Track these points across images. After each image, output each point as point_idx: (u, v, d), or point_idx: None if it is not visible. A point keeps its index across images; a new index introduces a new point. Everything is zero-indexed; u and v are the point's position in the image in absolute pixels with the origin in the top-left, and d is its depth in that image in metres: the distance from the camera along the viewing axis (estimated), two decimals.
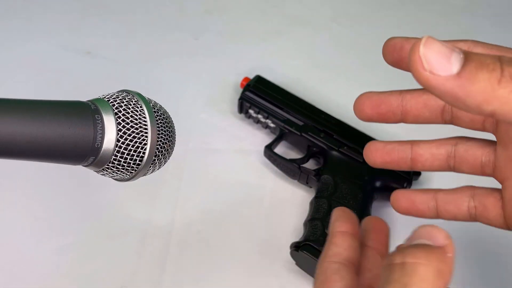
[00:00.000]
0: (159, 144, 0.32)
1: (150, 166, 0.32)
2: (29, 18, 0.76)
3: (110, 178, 0.33)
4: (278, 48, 0.73)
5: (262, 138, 0.61)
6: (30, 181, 0.56)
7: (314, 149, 0.57)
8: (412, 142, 0.34)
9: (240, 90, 0.61)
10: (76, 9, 0.78)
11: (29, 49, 0.72)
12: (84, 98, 0.66)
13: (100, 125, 0.29)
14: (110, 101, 0.31)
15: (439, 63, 0.22)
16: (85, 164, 0.30)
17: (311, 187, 0.56)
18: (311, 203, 0.52)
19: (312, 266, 0.47)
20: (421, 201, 0.34)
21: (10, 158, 0.27)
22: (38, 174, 0.56)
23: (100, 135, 0.29)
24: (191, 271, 0.50)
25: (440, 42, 0.23)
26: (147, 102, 0.32)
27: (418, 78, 0.22)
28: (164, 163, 0.33)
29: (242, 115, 0.62)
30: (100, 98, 0.31)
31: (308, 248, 0.47)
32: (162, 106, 0.34)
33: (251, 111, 0.60)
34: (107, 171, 0.31)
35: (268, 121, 0.59)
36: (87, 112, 0.29)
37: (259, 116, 0.59)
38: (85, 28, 0.75)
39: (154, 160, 0.32)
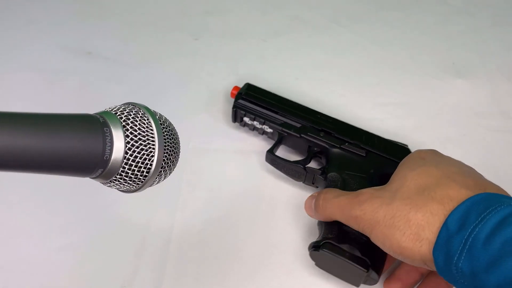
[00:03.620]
0: (166, 156, 0.32)
1: (156, 177, 0.33)
2: (29, 18, 0.76)
3: (116, 189, 0.33)
4: (278, 48, 0.73)
5: (262, 138, 0.61)
6: (30, 181, 0.56)
7: (315, 149, 0.56)
8: None
9: (231, 100, 0.60)
10: (77, 10, 0.78)
11: (29, 49, 0.72)
12: (84, 98, 0.67)
13: (109, 138, 0.30)
14: (117, 114, 0.31)
15: (307, 209, 0.49)
16: (93, 176, 0.31)
17: (317, 187, 0.56)
18: None
19: (334, 265, 0.46)
20: None
21: (24, 171, 0.28)
22: (39, 175, 0.56)
23: (109, 148, 0.30)
24: (191, 272, 0.50)
25: (307, 199, 0.49)
26: (153, 114, 0.32)
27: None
28: (170, 174, 0.34)
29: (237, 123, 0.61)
30: (107, 111, 0.32)
31: (329, 246, 0.45)
32: (167, 118, 0.35)
33: (246, 119, 0.59)
34: (114, 182, 0.32)
35: (265, 127, 0.58)
36: (96, 125, 0.30)
37: (255, 122, 0.59)
38: (86, 29, 0.75)
39: (160, 171, 0.32)
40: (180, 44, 0.73)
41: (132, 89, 0.67)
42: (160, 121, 0.33)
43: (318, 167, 0.55)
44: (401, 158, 0.53)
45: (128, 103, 0.33)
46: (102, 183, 0.32)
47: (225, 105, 0.64)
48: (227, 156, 0.59)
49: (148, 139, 0.31)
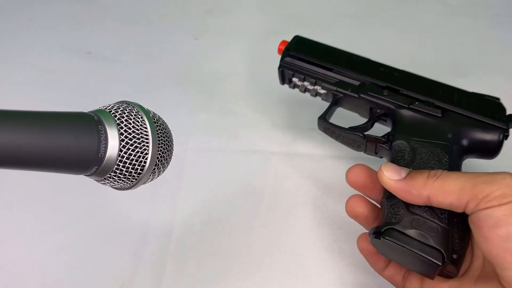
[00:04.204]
0: (159, 153, 0.33)
1: (150, 175, 0.33)
2: (29, 18, 0.76)
3: (111, 187, 0.33)
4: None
5: (263, 137, 0.61)
6: (30, 181, 0.56)
7: (379, 111, 0.48)
8: None
9: (278, 56, 0.53)
10: (77, 10, 0.78)
11: (29, 49, 0.72)
12: (84, 98, 0.67)
13: (104, 136, 0.30)
14: (112, 112, 0.32)
15: (392, 172, 0.38)
16: (87, 174, 0.31)
17: (381, 157, 0.48)
18: None
19: (401, 254, 0.39)
20: None
21: (19, 168, 0.28)
22: (38, 174, 0.56)
23: (104, 145, 0.30)
24: (191, 271, 0.50)
25: (393, 165, 0.39)
26: (147, 112, 0.33)
27: (382, 182, 0.39)
28: (163, 171, 0.35)
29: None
30: (101, 109, 0.32)
31: (392, 233, 0.38)
32: (167, 118, 0.35)
33: (295, 80, 0.51)
34: (108, 180, 0.32)
35: (317, 88, 0.50)
36: (91, 123, 0.30)
37: (305, 83, 0.51)
38: (86, 28, 0.75)
39: (154, 169, 0.33)
40: (180, 44, 0.73)
41: (132, 89, 0.67)
42: (154, 119, 0.33)
43: (381, 135, 0.47)
44: (493, 117, 0.43)
45: (122, 102, 0.33)
46: (97, 180, 0.32)
47: (225, 105, 0.64)
48: (227, 155, 0.59)
49: (142, 137, 0.32)
